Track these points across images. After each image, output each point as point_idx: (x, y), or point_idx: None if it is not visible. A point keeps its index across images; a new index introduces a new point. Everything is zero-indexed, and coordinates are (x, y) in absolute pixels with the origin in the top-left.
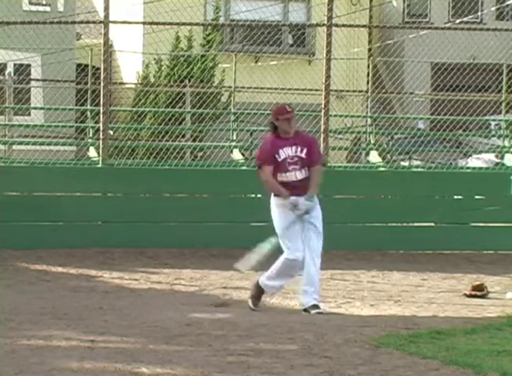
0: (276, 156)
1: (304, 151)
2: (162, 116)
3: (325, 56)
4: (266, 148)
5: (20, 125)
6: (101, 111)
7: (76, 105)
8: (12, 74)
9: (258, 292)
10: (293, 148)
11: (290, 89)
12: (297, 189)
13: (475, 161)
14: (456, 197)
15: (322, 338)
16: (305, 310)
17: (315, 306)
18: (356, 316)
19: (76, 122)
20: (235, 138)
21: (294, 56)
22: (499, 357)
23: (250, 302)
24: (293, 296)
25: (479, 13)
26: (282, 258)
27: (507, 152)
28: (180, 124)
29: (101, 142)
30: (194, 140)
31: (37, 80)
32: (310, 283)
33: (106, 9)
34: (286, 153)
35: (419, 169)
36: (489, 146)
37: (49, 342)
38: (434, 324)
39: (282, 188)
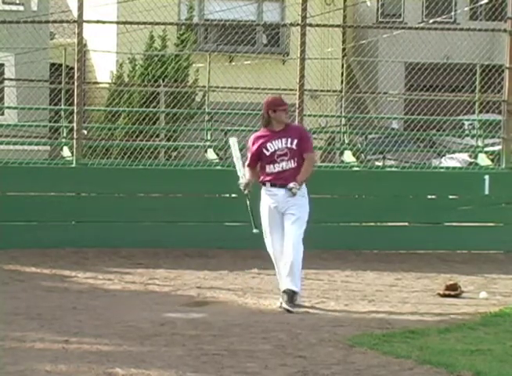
0: (264, 150)
1: (295, 142)
2: (136, 115)
3: (299, 55)
4: (251, 148)
5: None
6: (75, 111)
7: (50, 104)
8: None
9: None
10: (284, 140)
11: (264, 89)
12: (282, 179)
13: (449, 161)
14: (429, 196)
15: (296, 338)
16: (284, 291)
17: (288, 294)
18: (330, 316)
19: (50, 122)
20: (209, 138)
21: (268, 56)
22: (472, 356)
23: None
24: (267, 296)
25: (452, 13)
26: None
27: (481, 152)
28: (154, 123)
29: (75, 141)
30: (168, 140)
31: (11, 79)
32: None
33: (80, 8)
34: (275, 145)
35: (393, 169)
36: (463, 146)
37: (23, 343)
38: (408, 324)
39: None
